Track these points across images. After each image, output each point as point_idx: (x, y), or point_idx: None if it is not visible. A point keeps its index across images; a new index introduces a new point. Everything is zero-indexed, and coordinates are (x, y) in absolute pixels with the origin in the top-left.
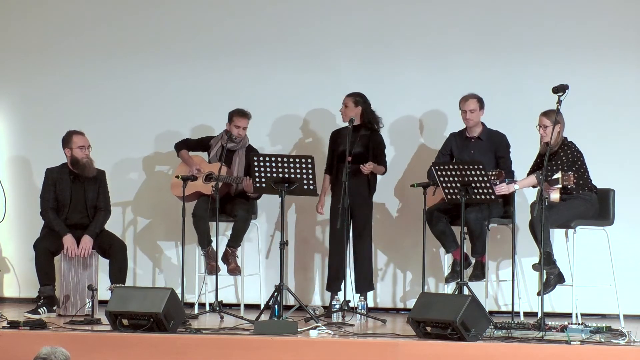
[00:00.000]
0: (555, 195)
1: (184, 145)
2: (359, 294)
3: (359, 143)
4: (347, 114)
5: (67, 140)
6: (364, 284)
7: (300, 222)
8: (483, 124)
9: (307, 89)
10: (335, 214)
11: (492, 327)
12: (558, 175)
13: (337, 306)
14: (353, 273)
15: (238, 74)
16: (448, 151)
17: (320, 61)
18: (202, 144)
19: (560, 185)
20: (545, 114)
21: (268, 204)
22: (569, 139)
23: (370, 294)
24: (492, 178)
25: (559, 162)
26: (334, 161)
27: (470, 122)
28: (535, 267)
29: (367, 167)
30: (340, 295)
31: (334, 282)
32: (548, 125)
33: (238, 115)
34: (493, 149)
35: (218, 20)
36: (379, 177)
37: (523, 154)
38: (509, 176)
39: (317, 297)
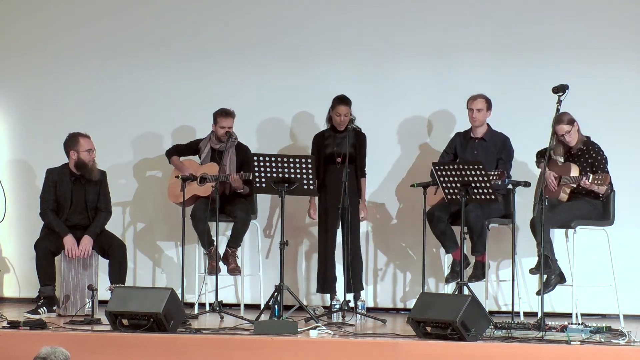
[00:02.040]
0: (564, 195)
1: (175, 152)
2: (353, 293)
3: (347, 143)
4: (346, 121)
5: (73, 143)
6: (358, 283)
7: (301, 222)
8: (488, 125)
9: (304, 91)
10: (324, 215)
11: (492, 327)
12: (575, 172)
13: (337, 306)
14: (345, 273)
15: (232, 76)
16: (452, 150)
17: (320, 62)
18: (192, 148)
19: (574, 185)
20: (561, 121)
21: (268, 204)
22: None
23: (370, 294)
24: (494, 178)
25: (592, 161)
26: (321, 164)
27: (476, 121)
28: (532, 271)
29: (365, 216)
30: (340, 295)
31: (328, 284)
32: (569, 130)
33: (221, 115)
34: (496, 151)
35: (209, 22)
36: (379, 176)
37: (523, 154)
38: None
39: (318, 297)
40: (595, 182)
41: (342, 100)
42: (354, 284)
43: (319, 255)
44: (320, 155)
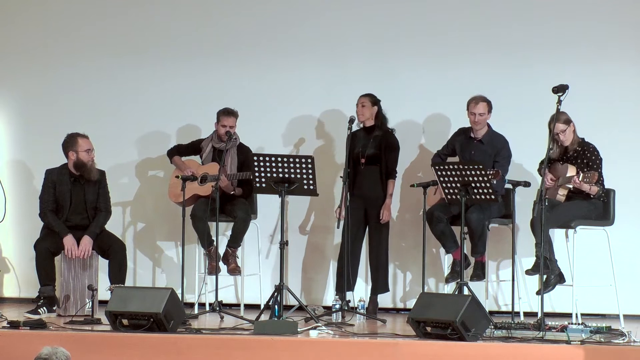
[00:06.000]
0: (561, 196)
1: (176, 152)
2: (376, 295)
3: (372, 144)
4: (364, 113)
5: (72, 143)
6: (381, 285)
7: (304, 223)
8: (489, 126)
9: (306, 92)
10: (347, 216)
11: (492, 327)
12: (572, 172)
13: (337, 306)
14: (369, 274)
15: (239, 74)
16: (452, 145)
17: (326, 60)
18: (193, 148)
19: (571, 186)
20: (557, 120)
21: (268, 204)
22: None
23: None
24: (489, 177)
25: (587, 161)
26: (351, 165)
27: (478, 125)
28: (528, 272)
29: (386, 216)
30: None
31: (342, 284)
32: (564, 129)
33: (223, 114)
34: (493, 153)
35: (216, 18)
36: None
37: (523, 154)
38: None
39: (319, 297)
40: (585, 180)
41: (363, 95)
42: (377, 285)
43: (339, 255)
44: (351, 155)
